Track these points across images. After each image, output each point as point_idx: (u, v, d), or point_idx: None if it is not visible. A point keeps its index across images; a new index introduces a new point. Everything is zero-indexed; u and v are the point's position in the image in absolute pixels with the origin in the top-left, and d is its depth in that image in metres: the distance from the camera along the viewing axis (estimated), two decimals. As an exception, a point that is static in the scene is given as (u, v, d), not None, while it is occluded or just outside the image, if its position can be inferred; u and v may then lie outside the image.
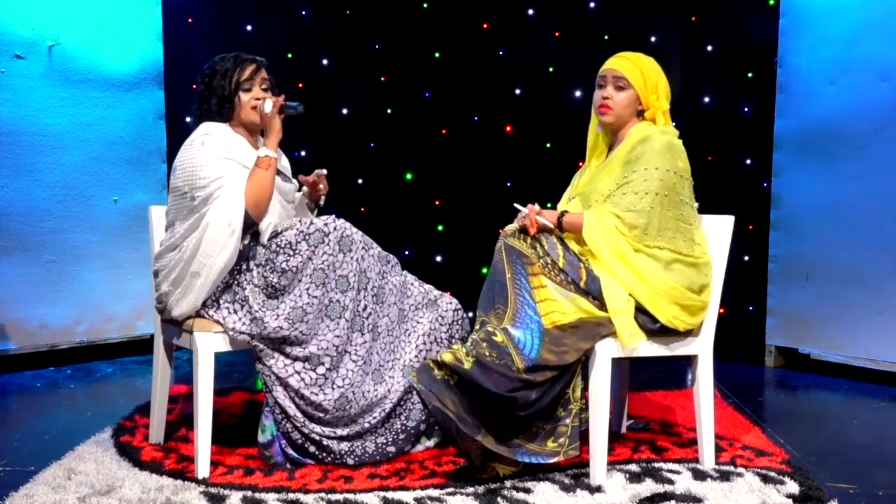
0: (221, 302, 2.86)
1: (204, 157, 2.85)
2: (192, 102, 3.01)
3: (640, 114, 2.91)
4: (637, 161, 2.79)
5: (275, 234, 2.90)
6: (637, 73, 2.87)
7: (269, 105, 2.92)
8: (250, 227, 2.88)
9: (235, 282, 2.88)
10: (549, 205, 2.97)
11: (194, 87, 3.00)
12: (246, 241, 2.89)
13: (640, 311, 2.76)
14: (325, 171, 3.16)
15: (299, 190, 3.22)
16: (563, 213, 2.84)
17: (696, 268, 2.80)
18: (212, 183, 2.82)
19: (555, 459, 2.74)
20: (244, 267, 2.89)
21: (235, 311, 2.85)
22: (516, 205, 2.85)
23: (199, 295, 2.83)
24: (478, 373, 2.64)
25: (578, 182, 3.03)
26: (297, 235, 2.87)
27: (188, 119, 3.01)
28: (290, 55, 5.27)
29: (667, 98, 2.91)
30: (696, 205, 2.87)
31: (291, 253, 2.85)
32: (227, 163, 2.86)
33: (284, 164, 3.16)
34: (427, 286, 3.15)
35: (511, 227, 2.85)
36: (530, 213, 2.81)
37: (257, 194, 2.85)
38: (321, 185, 3.17)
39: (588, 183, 2.95)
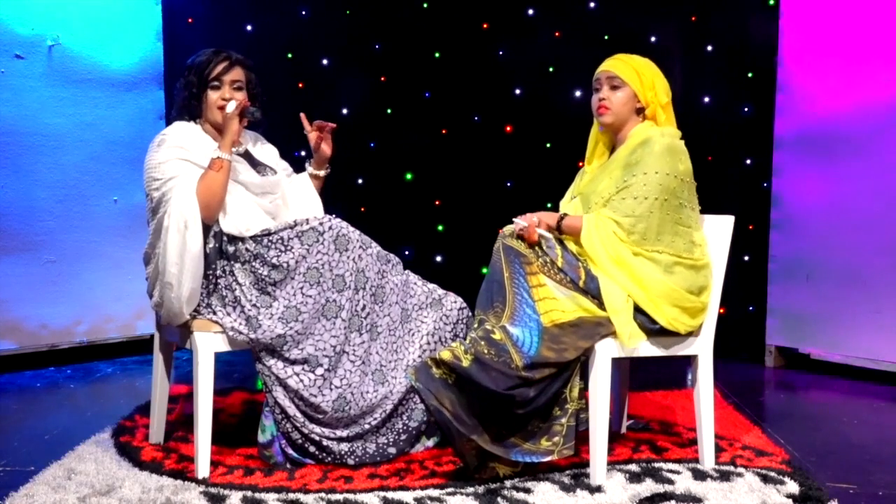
0: (214, 306, 2.86)
1: (159, 157, 2.84)
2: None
3: (640, 112, 2.90)
4: (637, 165, 2.79)
5: (268, 233, 2.88)
6: (630, 71, 2.87)
7: (231, 105, 2.89)
8: (212, 227, 2.86)
9: (224, 285, 2.87)
10: (548, 205, 2.96)
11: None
12: (213, 244, 2.86)
13: (640, 311, 2.76)
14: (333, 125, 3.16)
15: (303, 169, 3.20)
16: (562, 217, 2.84)
17: (695, 270, 2.80)
18: (165, 184, 2.81)
19: (549, 458, 2.74)
20: (228, 269, 2.88)
21: (229, 314, 2.85)
22: (515, 219, 2.83)
23: (178, 306, 2.81)
24: (476, 370, 2.65)
25: (580, 182, 3.03)
26: (289, 233, 2.86)
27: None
28: (290, 55, 5.27)
29: (665, 93, 2.90)
30: (697, 207, 2.87)
31: (283, 249, 2.85)
32: (182, 163, 2.84)
33: (266, 154, 3.12)
34: (431, 285, 3.13)
35: (510, 228, 2.84)
36: (530, 227, 2.80)
37: (207, 196, 2.80)
38: (324, 145, 3.16)
39: (589, 184, 2.95)
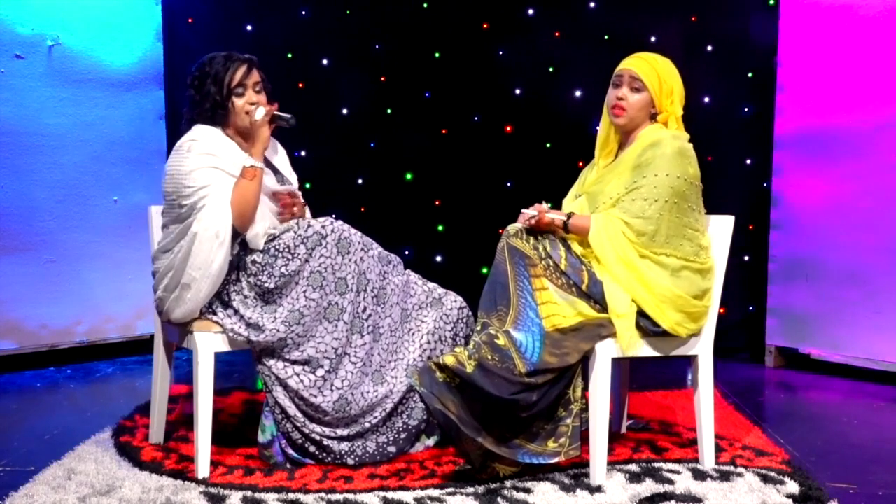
0: (216, 309, 2.86)
1: (190, 164, 2.81)
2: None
3: (653, 116, 2.89)
4: (647, 166, 2.77)
5: (272, 238, 2.88)
6: (654, 76, 2.84)
7: (260, 112, 2.87)
8: (238, 236, 2.85)
9: (224, 291, 2.87)
10: (549, 205, 2.96)
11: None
12: (237, 251, 2.86)
13: (643, 315, 2.75)
14: (298, 196, 2.99)
15: (301, 188, 3.20)
16: (570, 215, 2.82)
17: (701, 273, 2.79)
18: (196, 192, 2.79)
19: (555, 459, 2.74)
20: (232, 277, 2.87)
21: (230, 317, 2.85)
22: (524, 210, 2.82)
23: (191, 306, 2.81)
24: (480, 376, 2.64)
25: (586, 179, 3.01)
26: (294, 239, 2.85)
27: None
28: (290, 55, 5.27)
29: (681, 103, 2.89)
30: (703, 210, 2.86)
31: (290, 257, 2.84)
32: (213, 171, 2.82)
33: (284, 163, 3.12)
34: (431, 284, 3.13)
35: (514, 227, 2.82)
36: (540, 214, 2.79)
37: (242, 206, 2.80)
38: (296, 208, 2.99)
39: (596, 182, 2.93)
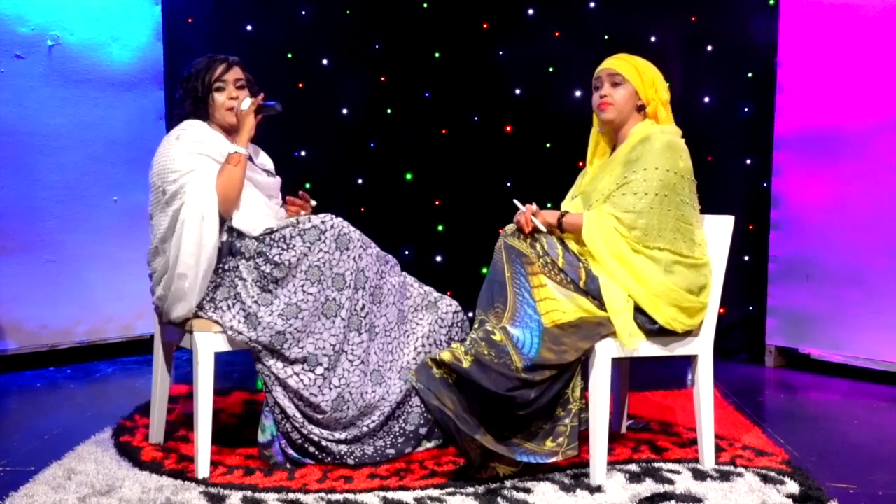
0: (217, 301, 2.87)
1: (176, 151, 2.88)
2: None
3: (640, 110, 2.91)
4: (637, 161, 2.80)
5: (270, 231, 2.90)
6: (631, 69, 2.89)
7: (246, 103, 2.94)
8: (224, 223, 2.89)
9: (227, 279, 2.88)
10: (548, 205, 2.97)
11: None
12: (226, 238, 2.89)
13: (639, 311, 2.76)
14: (313, 203, 3.19)
15: (301, 188, 3.24)
16: (563, 214, 2.84)
17: (695, 269, 2.80)
18: (182, 177, 2.84)
19: (553, 459, 2.74)
20: (232, 264, 2.89)
21: (230, 308, 2.85)
22: (515, 201, 2.85)
23: (190, 297, 2.82)
24: (476, 371, 2.65)
25: (581, 182, 3.04)
26: (292, 230, 2.88)
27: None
28: (290, 55, 5.27)
29: (665, 91, 2.92)
30: (697, 206, 2.87)
31: (285, 247, 2.86)
32: (199, 157, 2.88)
33: (264, 160, 3.18)
34: (427, 288, 3.15)
35: (511, 227, 2.85)
36: (526, 213, 2.81)
37: (226, 190, 2.85)
38: (303, 212, 3.17)
39: (590, 182, 2.95)
